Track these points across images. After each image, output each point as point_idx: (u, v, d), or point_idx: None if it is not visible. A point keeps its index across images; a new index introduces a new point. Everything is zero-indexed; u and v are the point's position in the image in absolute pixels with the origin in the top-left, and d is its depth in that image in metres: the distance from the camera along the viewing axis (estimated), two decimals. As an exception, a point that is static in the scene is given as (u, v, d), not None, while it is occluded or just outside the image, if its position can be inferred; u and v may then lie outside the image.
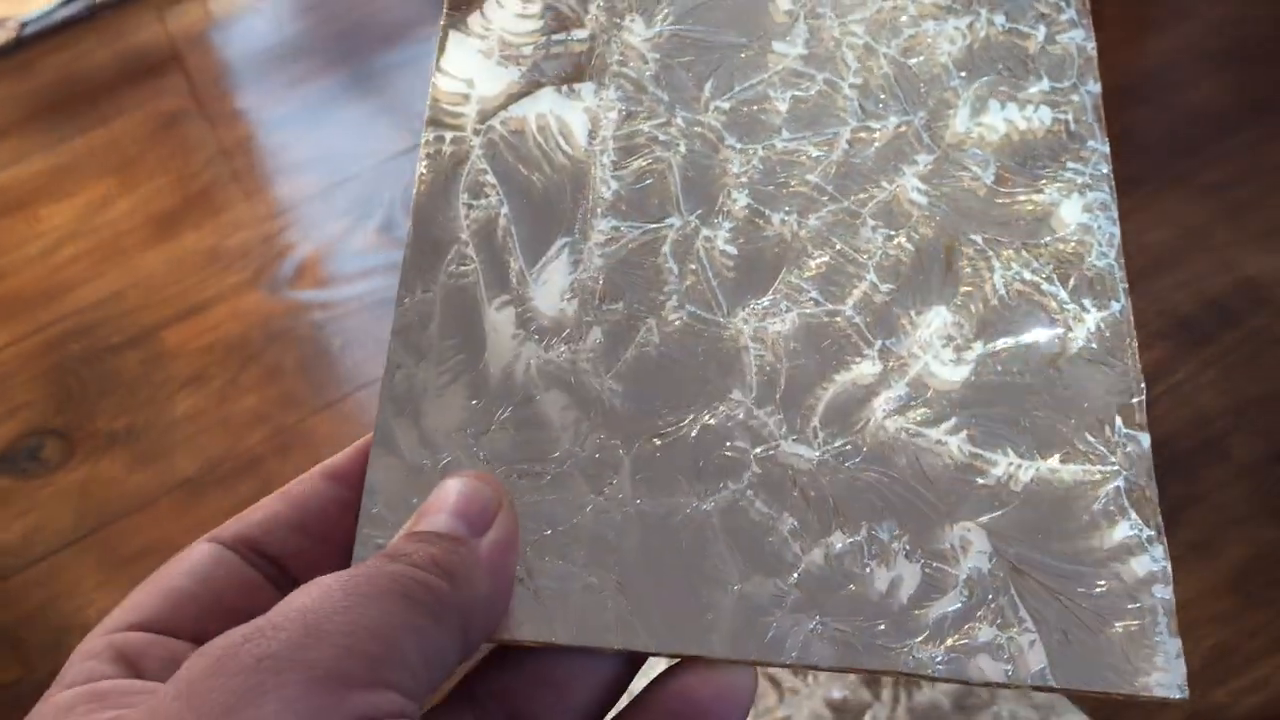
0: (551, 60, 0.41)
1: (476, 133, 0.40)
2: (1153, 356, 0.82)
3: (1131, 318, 0.38)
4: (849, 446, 0.36)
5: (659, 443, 0.36)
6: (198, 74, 1.26)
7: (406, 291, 0.37)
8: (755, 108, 0.41)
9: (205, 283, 1.03)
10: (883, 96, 0.42)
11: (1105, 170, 0.40)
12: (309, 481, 0.33)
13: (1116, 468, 0.35)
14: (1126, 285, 0.38)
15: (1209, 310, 0.85)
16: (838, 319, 0.38)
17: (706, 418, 0.36)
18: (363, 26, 1.26)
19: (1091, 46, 0.43)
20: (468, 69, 0.41)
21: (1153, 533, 0.34)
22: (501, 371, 0.36)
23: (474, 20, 0.42)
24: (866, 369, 0.37)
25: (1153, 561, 0.33)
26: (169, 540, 0.87)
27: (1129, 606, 0.33)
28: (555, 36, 0.42)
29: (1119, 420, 0.36)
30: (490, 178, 0.39)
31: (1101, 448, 0.35)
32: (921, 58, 0.43)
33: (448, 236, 0.38)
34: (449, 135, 0.40)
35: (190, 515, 0.88)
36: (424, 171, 0.39)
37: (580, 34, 0.42)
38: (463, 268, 0.38)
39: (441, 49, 0.41)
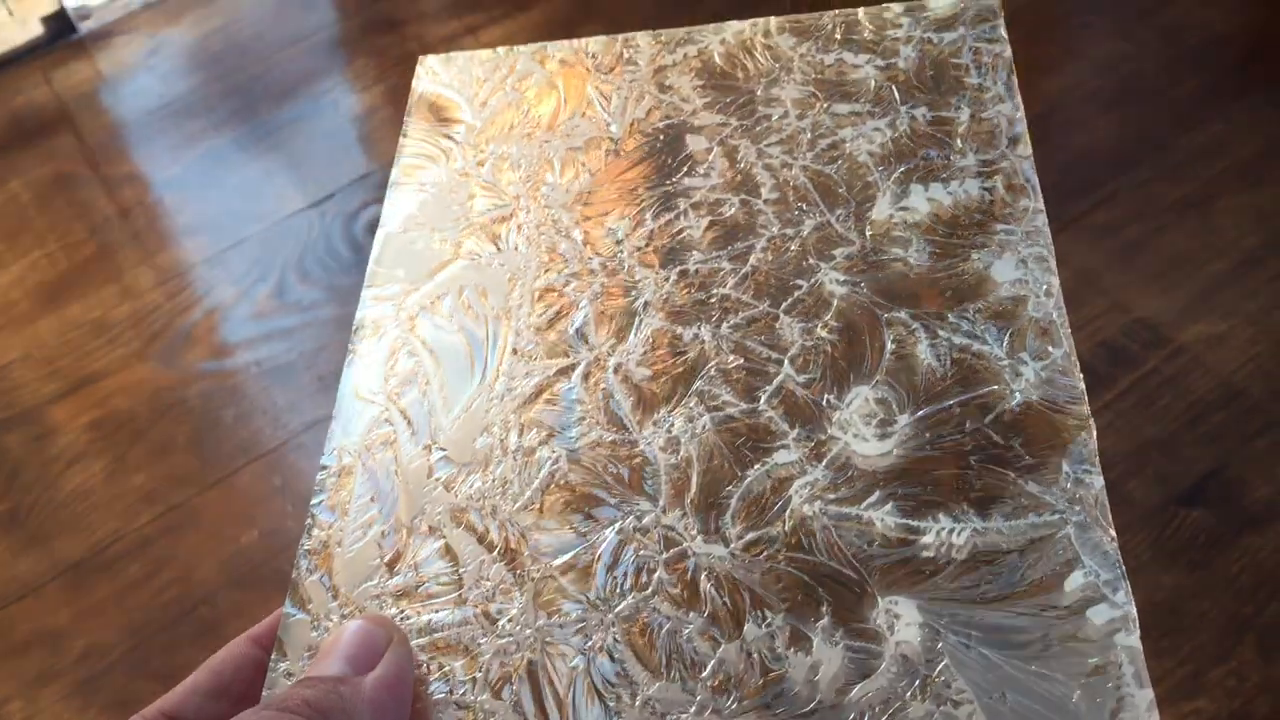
0: (473, 232, 0.43)
1: (402, 308, 0.42)
2: (1050, 401, 0.82)
3: (1075, 358, 0.36)
4: (766, 536, 0.35)
5: (562, 569, 0.35)
6: (89, 135, 1.23)
7: (332, 447, 0.39)
8: (672, 237, 0.42)
9: (93, 355, 1.00)
10: (800, 204, 0.42)
11: (1040, 224, 0.39)
12: (233, 647, 0.35)
13: (1065, 515, 0.33)
14: (1069, 330, 0.37)
15: (1104, 353, 0.85)
16: (754, 413, 0.37)
17: (613, 531, 0.35)
18: (257, 82, 1.24)
19: (1020, 115, 0.42)
20: (397, 261, 0.43)
21: (1111, 577, 0.31)
22: (411, 521, 0.37)
23: (408, 222, 0.45)
24: (783, 457, 0.36)
25: (1112, 609, 0.31)
26: (58, 627, 0.83)
27: (1089, 661, 0.30)
28: (476, 215, 0.44)
29: (1065, 465, 0.34)
30: (416, 343, 0.41)
31: (1048, 496, 0.33)
32: (841, 160, 0.42)
33: (374, 400, 0.40)
34: (379, 312, 0.42)
35: (80, 600, 0.85)
36: (359, 347, 0.41)
37: (504, 208, 0.44)
38: (385, 427, 0.39)
39: (378, 248, 0.44)
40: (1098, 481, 0.33)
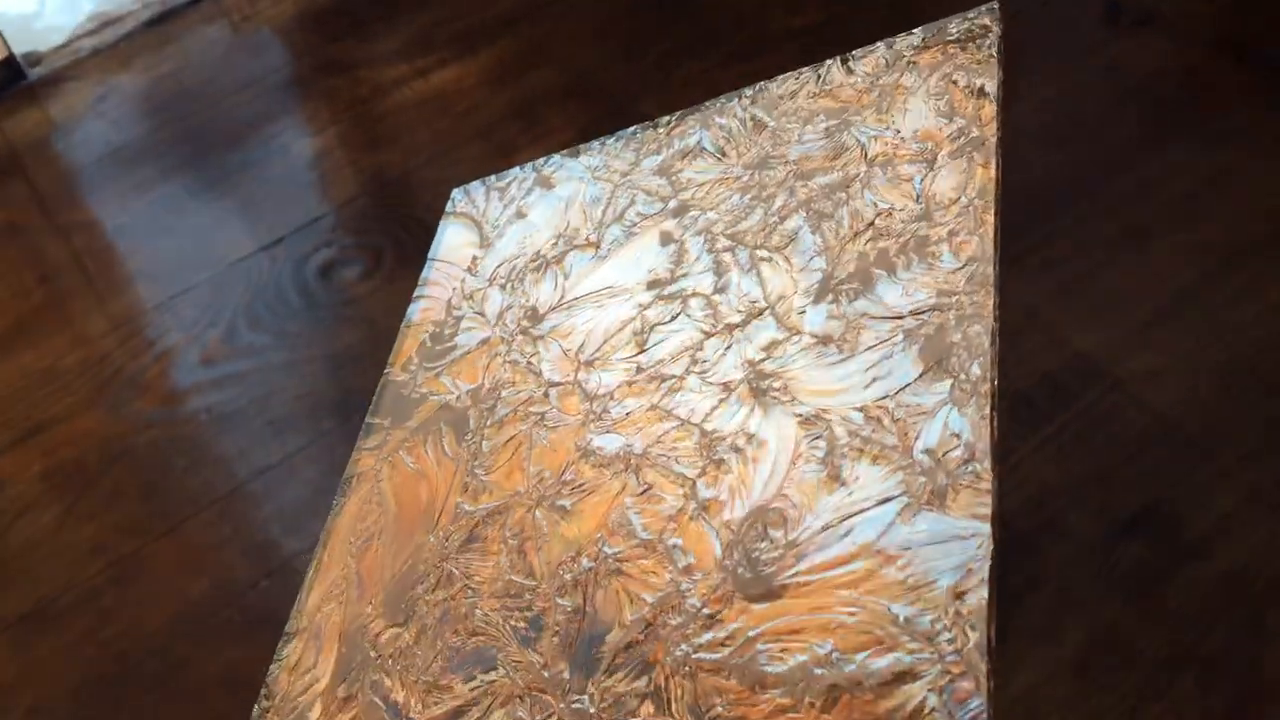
0: (447, 366, 0.45)
1: (381, 461, 0.45)
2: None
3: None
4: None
5: None
6: (39, 182, 1.23)
7: (294, 627, 0.42)
8: (605, 353, 0.42)
9: (43, 403, 1.00)
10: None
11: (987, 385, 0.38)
12: None
13: None
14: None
15: (1044, 387, 0.87)
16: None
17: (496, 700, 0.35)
18: (208, 127, 1.24)
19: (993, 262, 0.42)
20: (389, 410, 0.47)
21: None
22: (337, 687, 0.38)
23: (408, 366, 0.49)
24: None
25: None
26: (4, 683, 0.83)
27: None
28: (459, 348, 0.46)
29: None
30: (377, 506, 0.43)
31: None
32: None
33: (341, 575, 0.42)
34: (368, 462, 0.46)
35: (27, 654, 0.84)
36: (347, 504, 0.46)
37: (484, 334, 0.45)
38: (345, 593, 0.40)
39: (378, 396, 0.48)
40: None
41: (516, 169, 0.56)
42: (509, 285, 0.45)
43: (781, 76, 0.46)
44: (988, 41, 0.46)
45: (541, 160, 0.56)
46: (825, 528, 0.34)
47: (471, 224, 0.56)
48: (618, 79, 1.14)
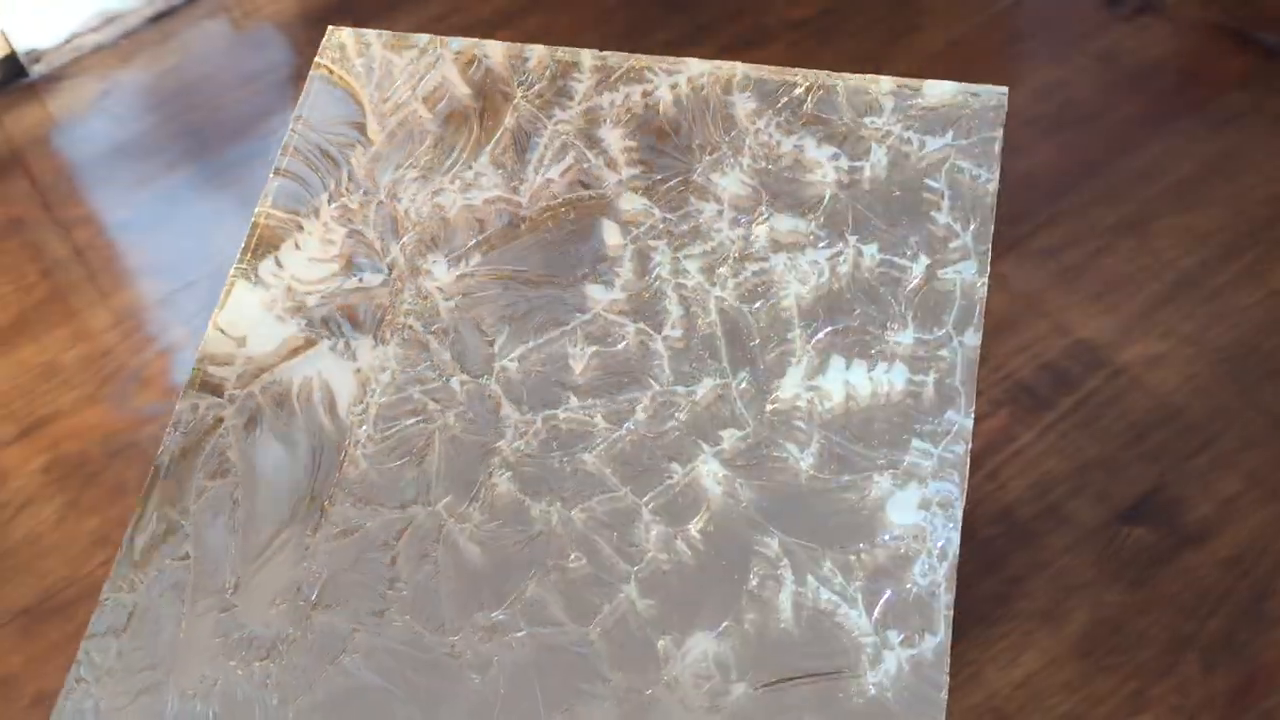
0: (336, 308, 0.37)
1: (232, 400, 0.36)
2: (995, 424, 0.83)
3: (949, 655, 0.31)
4: None
5: None
6: (41, 178, 1.23)
7: (112, 589, 0.33)
8: (548, 366, 0.36)
9: (45, 398, 1.00)
10: (702, 353, 0.35)
11: (960, 452, 0.34)
12: None
13: None
14: (950, 612, 0.31)
15: (1046, 375, 0.87)
16: (579, 642, 0.32)
17: None
18: (209, 122, 1.25)
19: (982, 285, 0.36)
20: (243, 324, 0.37)
21: None
22: (181, 696, 0.31)
23: (265, 267, 0.38)
24: (594, 714, 0.31)
25: None
26: (8, 673, 0.83)
27: None
28: (346, 283, 0.37)
29: None
30: (234, 454, 0.35)
31: None
32: (763, 300, 0.36)
33: (173, 522, 0.34)
34: (204, 402, 0.36)
35: (30, 646, 0.84)
36: (168, 445, 0.35)
37: (375, 279, 0.37)
38: (178, 562, 0.33)
39: (223, 302, 0.38)
40: None
41: None
42: None
43: None
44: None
45: None
46: None
47: None
48: (617, 70, 1.14)
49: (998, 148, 0.39)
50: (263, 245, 0.36)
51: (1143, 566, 0.77)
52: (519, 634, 0.32)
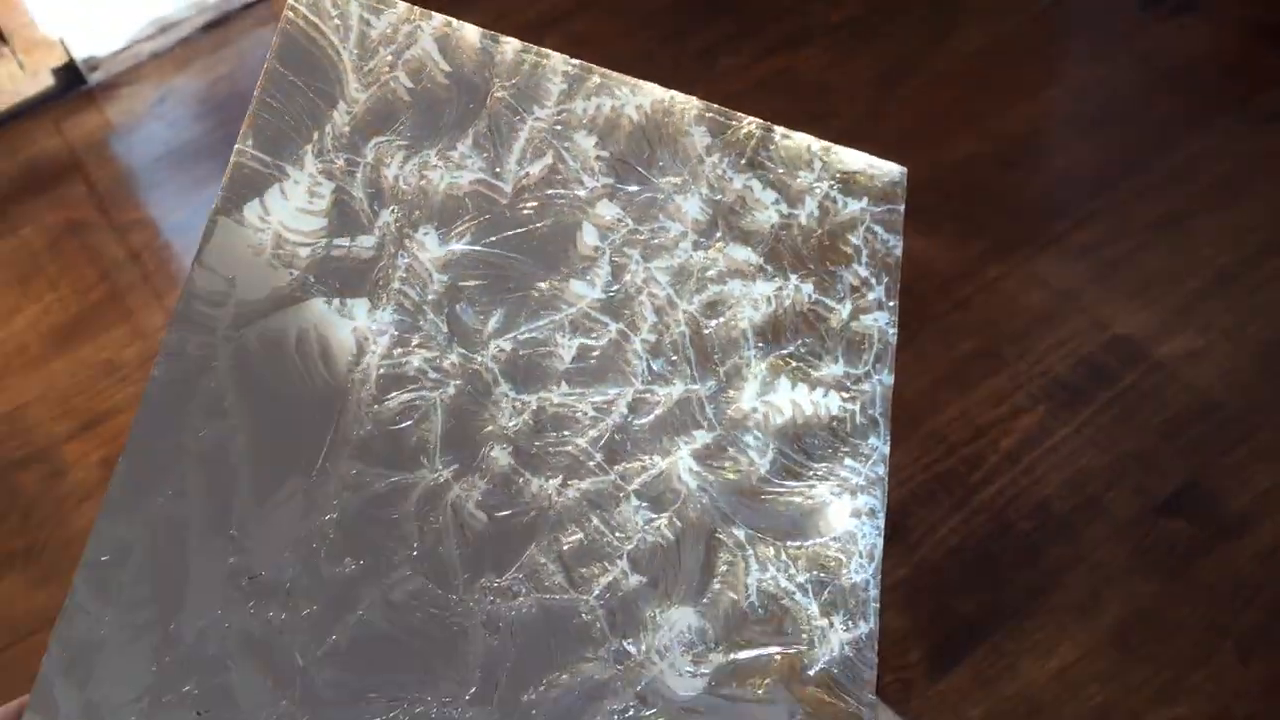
0: (329, 266, 0.36)
1: (227, 339, 0.34)
2: (1032, 419, 0.84)
3: (876, 641, 0.36)
4: None
5: None
6: (99, 182, 1.27)
7: (108, 519, 0.33)
8: (538, 350, 0.37)
9: (104, 394, 1.03)
10: (674, 358, 0.39)
11: (881, 472, 0.38)
12: None
13: None
14: (879, 604, 0.37)
15: (1083, 370, 0.87)
16: (580, 608, 0.35)
17: (416, 711, 0.32)
18: (261, 127, 1.28)
19: (893, 334, 0.40)
20: (232, 265, 0.36)
21: None
22: (196, 633, 0.31)
23: (251, 209, 0.36)
24: (596, 673, 0.34)
25: None
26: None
27: None
28: (338, 240, 0.36)
29: None
30: (232, 397, 0.34)
31: None
32: (721, 318, 0.39)
33: (168, 459, 0.33)
34: (195, 339, 0.34)
35: (90, 633, 0.87)
36: (158, 375, 0.34)
37: (366, 241, 0.37)
38: (179, 500, 0.33)
39: (207, 237, 0.35)
40: None
41: None
42: None
43: None
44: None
45: None
46: None
47: None
48: (662, 69, 1.16)
49: (900, 222, 0.42)
50: (245, 186, 0.36)
51: (1179, 558, 0.77)
52: (524, 598, 0.34)
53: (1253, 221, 0.93)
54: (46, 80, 1.30)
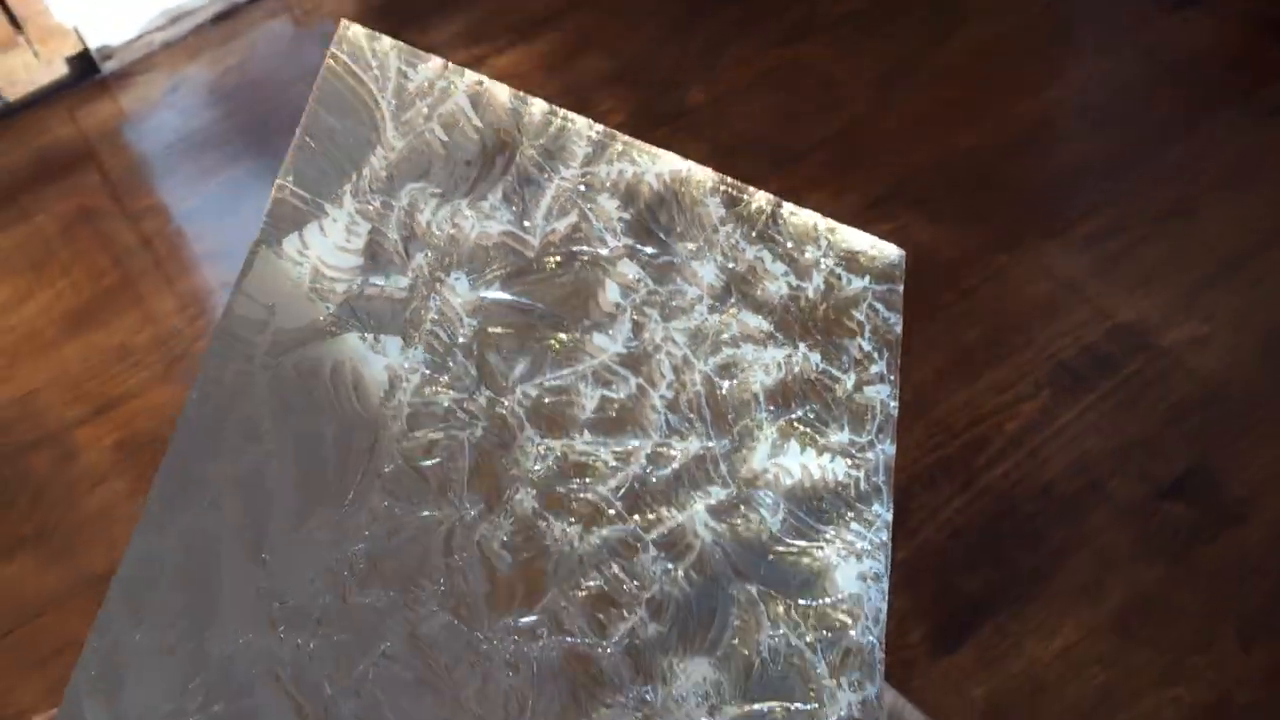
0: (363, 302, 0.37)
1: (265, 367, 0.35)
2: (1036, 405, 0.85)
3: (883, 703, 0.37)
4: None
5: None
6: (111, 170, 1.28)
7: (145, 531, 0.33)
8: (561, 399, 0.38)
9: (117, 378, 1.04)
10: (690, 415, 0.40)
11: (884, 538, 0.39)
12: None
13: None
14: (884, 666, 0.38)
15: (1088, 357, 0.88)
16: (600, 653, 0.35)
17: None
18: (272, 115, 1.28)
19: (894, 406, 0.42)
20: (271, 294, 0.36)
21: None
22: (225, 655, 0.32)
23: (290, 243, 0.37)
24: (616, 718, 0.35)
25: None
26: (82, 638, 0.87)
27: None
28: (373, 279, 0.38)
29: None
30: (268, 423, 0.35)
31: None
32: (735, 380, 0.41)
33: (206, 475, 0.34)
34: (233, 365, 0.35)
35: (103, 612, 0.88)
36: (196, 397, 0.34)
37: (400, 281, 0.38)
38: (214, 517, 0.33)
39: (248, 266, 0.37)
40: None
41: None
42: None
43: None
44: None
45: None
46: None
47: None
48: (666, 63, 1.17)
49: (899, 300, 0.44)
50: (285, 220, 0.37)
51: (1182, 543, 0.78)
52: (547, 639, 0.35)
53: (1256, 213, 0.94)
54: (61, 69, 1.31)
